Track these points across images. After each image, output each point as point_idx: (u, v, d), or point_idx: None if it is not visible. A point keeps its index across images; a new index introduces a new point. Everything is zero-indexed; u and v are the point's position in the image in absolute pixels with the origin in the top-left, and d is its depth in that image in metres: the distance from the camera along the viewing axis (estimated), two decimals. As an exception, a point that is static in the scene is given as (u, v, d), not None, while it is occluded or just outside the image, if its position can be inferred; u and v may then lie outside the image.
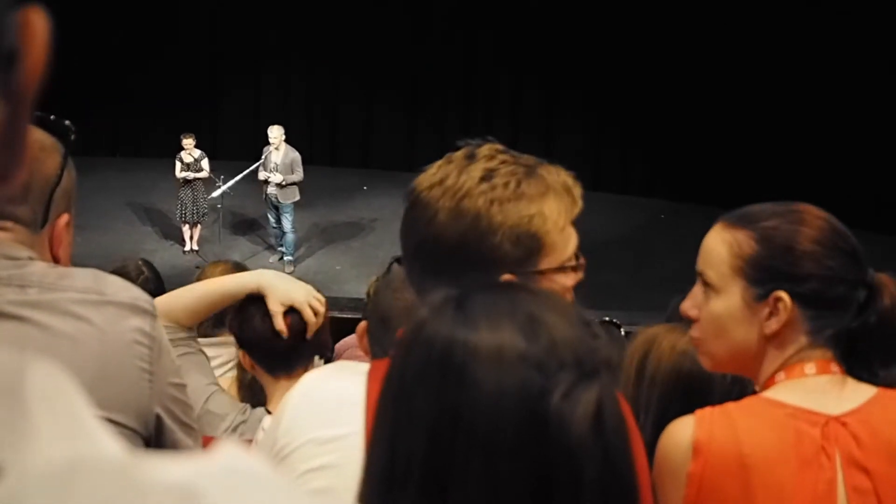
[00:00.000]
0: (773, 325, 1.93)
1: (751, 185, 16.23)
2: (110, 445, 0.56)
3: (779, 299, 1.92)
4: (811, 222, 1.95)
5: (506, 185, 1.72)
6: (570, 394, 1.13)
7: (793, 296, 1.91)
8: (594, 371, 1.16)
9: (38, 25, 0.59)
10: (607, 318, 4.68)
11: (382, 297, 2.35)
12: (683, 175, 17.10)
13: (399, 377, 1.21)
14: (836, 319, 1.93)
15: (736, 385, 2.45)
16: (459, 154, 1.76)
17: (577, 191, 1.82)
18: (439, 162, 1.77)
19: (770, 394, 1.94)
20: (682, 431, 1.91)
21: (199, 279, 3.64)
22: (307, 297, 2.83)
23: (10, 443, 0.51)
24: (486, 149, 1.77)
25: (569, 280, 1.83)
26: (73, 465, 0.52)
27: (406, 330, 1.25)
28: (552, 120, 17.85)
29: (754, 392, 2.03)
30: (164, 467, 0.54)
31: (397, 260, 2.43)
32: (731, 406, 1.93)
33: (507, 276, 1.70)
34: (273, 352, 2.97)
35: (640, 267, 13.69)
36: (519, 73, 17.96)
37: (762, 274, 1.93)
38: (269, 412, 2.96)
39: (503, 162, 1.75)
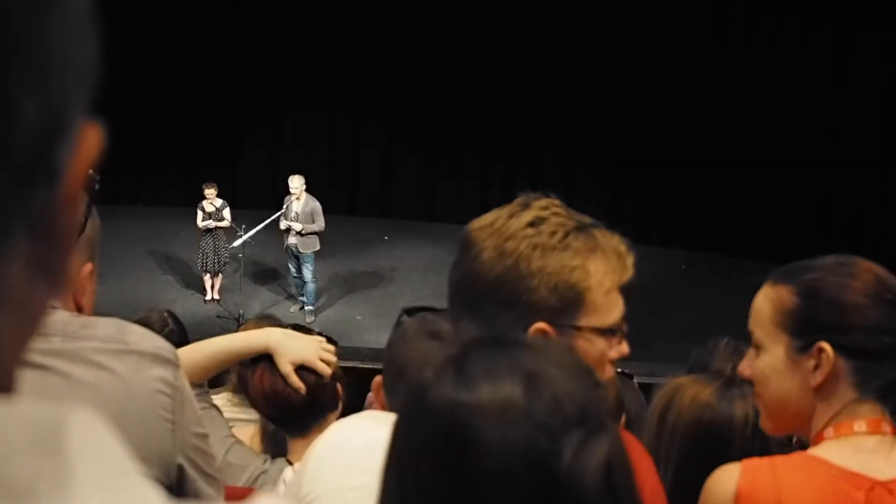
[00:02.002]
0: (817, 377, 1.91)
1: (773, 236, 16.23)
2: (152, 496, 0.57)
3: (821, 350, 1.90)
4: (854, 274, 1.93)
5: (552, 233, 1.74)
6: (580, 452, 1.12)
7: (836, 347, 1.90)
8: (600, 424, 1.15)
9: (89, 143, 0.59)
10: (619, 370, 4.68)
11: (397, 349, 2.34)
12: (704, 225, 17.07)
13: (404, 447, 1.20)
14: (884, 371, 1.91)
15: (758, 439, 2.43)
16: (516, 201, 1.78)
17: (630, 259, 1.82)
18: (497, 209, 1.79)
19: (817, 451, 1.92)
20: (727, 479, 1.92)
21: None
22: (317, 352, 2.84)
23: (53, 496, 0.52)
24: (543, 201, 1.79)
25: (611, 351, 1.82)
26: None
27: (408, 394, 1.24)
28: (572, 170, 17.86)
29: (779, 446, 2.01)
30: None
31: (407, 311, 2.43)
32: (778, 459, 1.93)
33: (541, 325, 1.71)
34: (284, 415, 2.98)
35: (660, 317, 13.61)
36: (539, 124, 18.01)
37: (804, 326, 1.92)
38: (290, 463, 2.96)
39: (555, 213, 1.77)
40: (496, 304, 1.72)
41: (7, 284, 0.55)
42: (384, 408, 2.37)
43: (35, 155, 0.55)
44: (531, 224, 1.74)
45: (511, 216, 1.75)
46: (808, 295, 1.93)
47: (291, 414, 2.94)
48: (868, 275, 1.93)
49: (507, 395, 1.14)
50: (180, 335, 4.63)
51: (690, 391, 2.52)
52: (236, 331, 4.21)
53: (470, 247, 1.75)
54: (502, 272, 1.71)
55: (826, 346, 1.89)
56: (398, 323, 2.41)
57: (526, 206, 1.77)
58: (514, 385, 1.15)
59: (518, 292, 1.72)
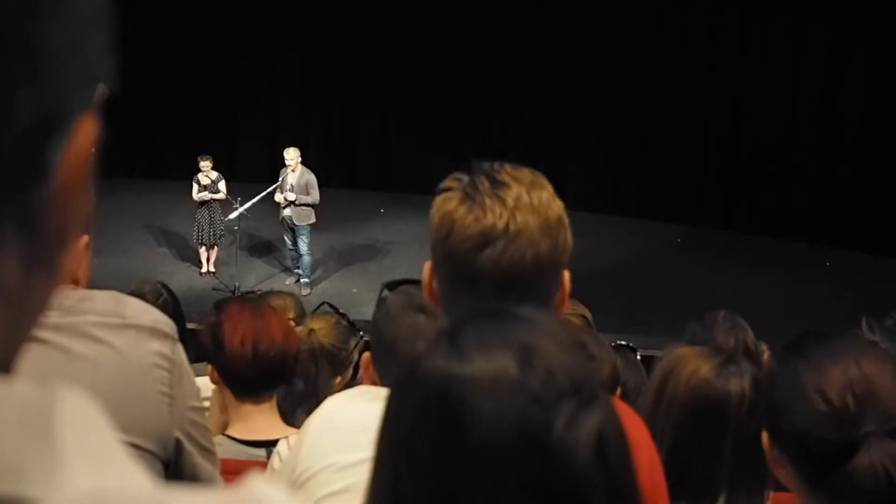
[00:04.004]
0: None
1: (768, 210, 16.25)
2: (141, 477, 0.57)
3: None
4: (821, 366, 1.71)
5: (551, 190, 1.78)
6: (572, 423, 1.12)
7: (771, 437, 1.78)
8: (593, 396, 1.16)
9: (85, 137, 0.59)
10: (623, 343, 4.68)
11: (384, 326, 2.34)
12: (699, 199, 17.09)
13: (397, 418, 1.20)
14: (815, 472, 1.70)
15: (754, 417, 2.42)
16: (491, 176, 1.76)
17: None
18: (453, 196, 1.76)
19: None
20: None
21: None
22: None
23: (41, 476, 0.52)
24: (502, 166, 1.78)
25: None
26: (104, 498, 0.53)
27: (401, 366, 1.24)
28: (568, 143, 17.84)
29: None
30: (194, 499, 0.55)
31: (388, 286, 2.42)
32: None
33: (567, 272, 1.78)
34: (241, 377, 3.03)
35: (656, 291, 13.65)
36: (536, 98, 17.97)
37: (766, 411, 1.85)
38: (227, 435, 3.01)
39: (526, 173, 1.79)
40: (550, 274, 1.75)
41: None
42: (374, 384, 2.37)
43: (27, 151, 0.55)
44: (543, 188, 1.76)
45: (529, 189, 1.74)
46: (781, 372, 1.80)
47: (242, 375, 3.02)
48: (841, 376, 1.68)
49: (500, 368, 1.14)
50: (174, 306, 4.65)
51: (690, 366, 2.51)
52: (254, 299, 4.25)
53: (518, 237, 1.71)
54: (552, 244, 1.73)
55: (764, 434, 1.80)
56: (381, 299, 2.40)
57: (517, 179, 1.76)
58: (508, 358, 1.15)
59: (565, 252, 1.76)
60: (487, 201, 1.72)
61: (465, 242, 1.72)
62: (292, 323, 3.65)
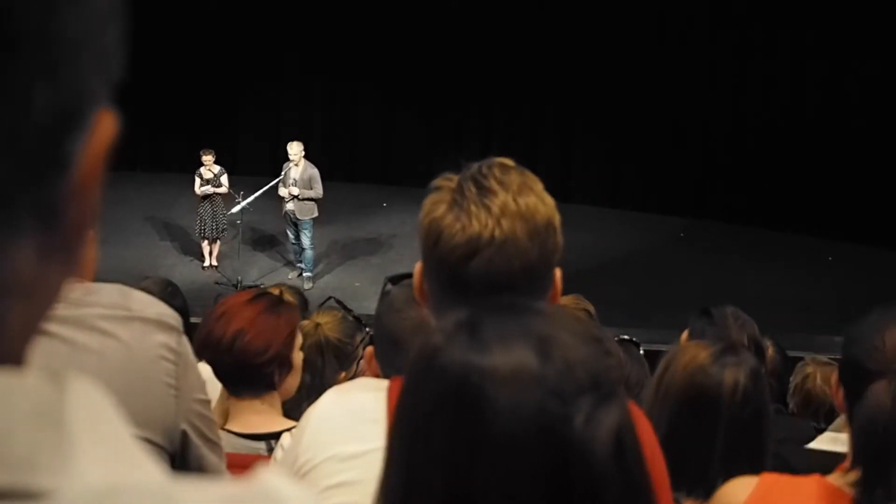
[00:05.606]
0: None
1: (770, 203, 16.24)
2: (152, 469, 0.57)
3: None
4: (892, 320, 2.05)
5: (540, 188, 1.75)
6: (591, 419, 1.12)
7: (840, 366, 2.12)
8: (611, 392, 1.15)
9: (104, 129, 0.59)
10: (626, 337, 4.68)
11: (387, 320, 2.34)
12: (702, 192, 17.09)
13: (412, 408, 1.19)
14: (851, 390, 2.04)
15: (748, 406, 2.43)
16: (492, 180, 1.73)
17: None
18: (442, 200, 1.74)
19: (832, 479, 2.05)
20: (740, 491, 2.07)
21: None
22: None
23: (53, 466, 0.52)
24: (490, 169, 1.76)
25: None
26: (116, 489, 0.53)
27: (417, 356, 1.23)
28: (570, 137, 17.84)
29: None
30: (205, 491, 0.55)
31: (391, 280, 2.42)
32: (796, 481, 2.07)
33: (558, 269, 1.76)
34: (225, 373, 3.02)
35: (659, 285, 13.64)
36: (539, 91, 17.96)
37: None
38: (225, 429, 3.01)
39: (516, 172, 1.77)
40: (541, 278, 1.73)
41: (15, 272, 0.55)
42: (376, 377, 2.37)
43: (46, 143, 0.55)
44: (532, 189, 1.73)
45: (514, 198, 1.71)
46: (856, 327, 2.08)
47: (223, 370, 3.01)
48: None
49: (519, 360, 1.14)
50: (181, 300, 4.66)
51: (688, 354, 2.52)
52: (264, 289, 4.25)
53: (490, 243, 1.69)
54: (541, 249, 1.71)
55: (835, 371, 2.12)
56: (384, 293, 2.40)
57: (504, 185, 1.74)
58: (527, 350, 1.15)
59: (552, 258, 1.74)
60: (473, 209, 1.70)
61: (453, 252, 1.70)
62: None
